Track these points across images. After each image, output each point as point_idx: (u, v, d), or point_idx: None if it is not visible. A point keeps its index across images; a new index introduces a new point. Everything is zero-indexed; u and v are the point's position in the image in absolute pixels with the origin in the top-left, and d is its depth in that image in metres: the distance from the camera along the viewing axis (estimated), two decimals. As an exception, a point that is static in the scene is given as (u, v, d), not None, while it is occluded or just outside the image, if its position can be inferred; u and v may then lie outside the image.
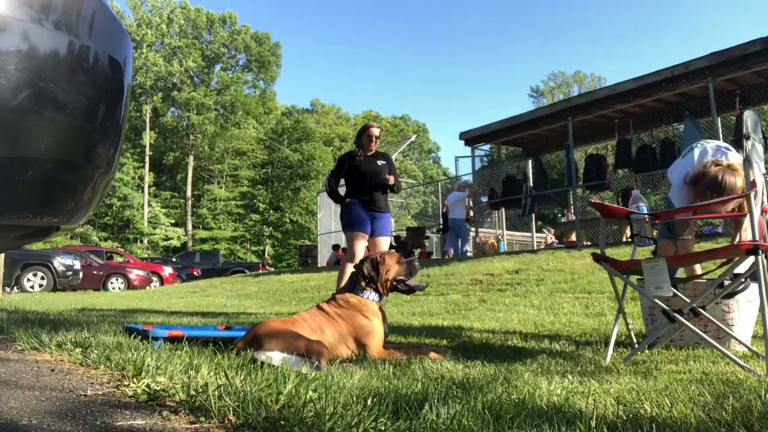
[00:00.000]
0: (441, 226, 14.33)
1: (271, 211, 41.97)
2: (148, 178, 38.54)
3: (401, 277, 2.63)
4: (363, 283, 2.60)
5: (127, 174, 35.78)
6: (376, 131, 5.15)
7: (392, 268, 2.62)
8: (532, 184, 12.08)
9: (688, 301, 2.44)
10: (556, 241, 14.34)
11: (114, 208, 35.54)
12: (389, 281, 2.62)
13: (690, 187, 2.78)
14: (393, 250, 3.02)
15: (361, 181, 5.05)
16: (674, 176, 2.96)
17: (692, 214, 2.76)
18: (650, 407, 1.45)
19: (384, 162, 5.09)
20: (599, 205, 2.72)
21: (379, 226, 5.08)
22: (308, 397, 1.39)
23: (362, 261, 2.72)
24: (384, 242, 5.11)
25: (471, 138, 12.90)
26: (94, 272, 15.98)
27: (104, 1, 1.62)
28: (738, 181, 2.63)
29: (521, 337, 3.19)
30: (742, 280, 2.54)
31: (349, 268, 5.01)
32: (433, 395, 1.43)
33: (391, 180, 4.98)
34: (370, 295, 2.58)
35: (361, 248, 5.06)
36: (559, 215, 21.38)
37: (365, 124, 5.29)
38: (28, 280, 13.41)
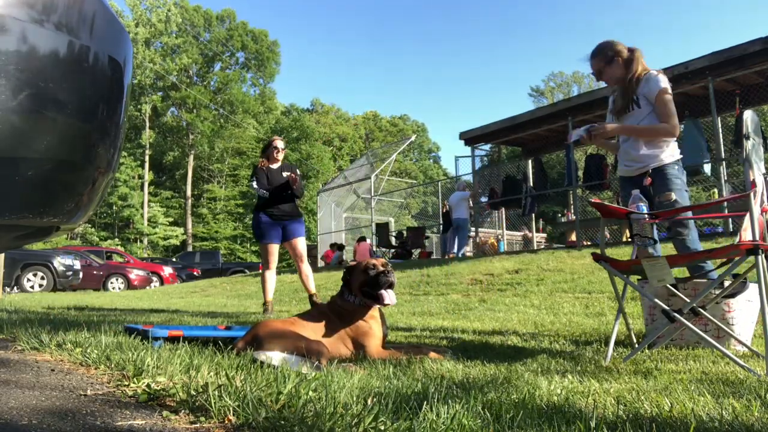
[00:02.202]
0: (441, 226, 14.33)
1: (271, 211, 41.94)
2: (148, 177, 38.51)
3: (366, 289, 2.54)
4: (345, 290, 2.62)
5: (126, 173, 35.76)
6: (280, 144, 5.57)
7: (359, 278, 2.56)
8: (532, 184, 12.08)
9: (688, 301, 2.44)
10: (529, 234, 14.04)
11: (114, 207, 35.54)
12: (357, 290, 2.57)
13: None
14: (381, 258, 2.98)
15: (269, 194, 5.42)
16: None
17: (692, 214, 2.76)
18: (650, 407, 1.45)
19: (289, 173, 5.44)
20: (599, 205, 2.72)
21: (290, 230, 5.48)
22: (308, 396, 1.39)
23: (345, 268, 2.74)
24: (300, 242, 5.51)
25: (471, 138, 12.91)
26: (94, 272, 15.99)
27: (104, 1, 1.62)
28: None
29: (521, 337, 3.18)
30: (742, 280, 2.54)
31: (268, 275, 5.51)
32: (433, 395, 1.43)
33: (295, 185, 5.36)
34: (356, 300, 2.57)
35: (273, 257, 5.50)
36: (559, 215, 21.38)
37: (270, 137, 5.74)
38: (28, 280, 13.41)
